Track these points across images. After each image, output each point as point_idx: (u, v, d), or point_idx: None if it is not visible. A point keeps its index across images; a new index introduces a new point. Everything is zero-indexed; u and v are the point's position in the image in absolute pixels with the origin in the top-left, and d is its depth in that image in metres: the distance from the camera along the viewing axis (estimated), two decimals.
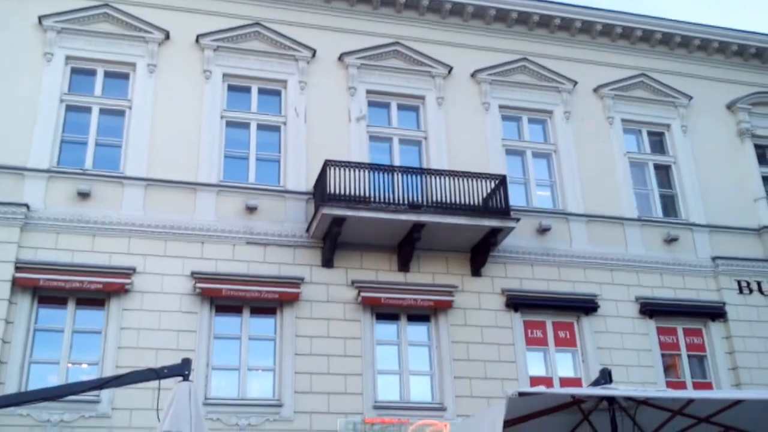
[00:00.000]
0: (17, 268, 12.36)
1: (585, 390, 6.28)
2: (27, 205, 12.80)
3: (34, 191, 13.07)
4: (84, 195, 13.20)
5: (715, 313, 15.50)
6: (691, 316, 15.44)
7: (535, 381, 13.74)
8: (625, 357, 14.52)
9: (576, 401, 6.60)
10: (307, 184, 14.36)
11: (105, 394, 12.07)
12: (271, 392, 12.98)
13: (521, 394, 5.10)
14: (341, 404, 12.84)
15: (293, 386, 12.85)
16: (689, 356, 15.25)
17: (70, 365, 12.48)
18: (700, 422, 6.81)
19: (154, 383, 6.51)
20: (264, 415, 12.55)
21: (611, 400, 6.34)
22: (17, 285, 12.34)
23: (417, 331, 14.17)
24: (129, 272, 12.79)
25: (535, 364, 14.21)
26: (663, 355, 15.02)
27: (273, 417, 12.58)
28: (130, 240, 13.14)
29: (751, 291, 15.97)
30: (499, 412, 4.91)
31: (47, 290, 12.56)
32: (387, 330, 14.01)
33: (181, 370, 6.51)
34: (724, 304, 15.59)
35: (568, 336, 14.72)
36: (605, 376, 7.37)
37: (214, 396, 12.68)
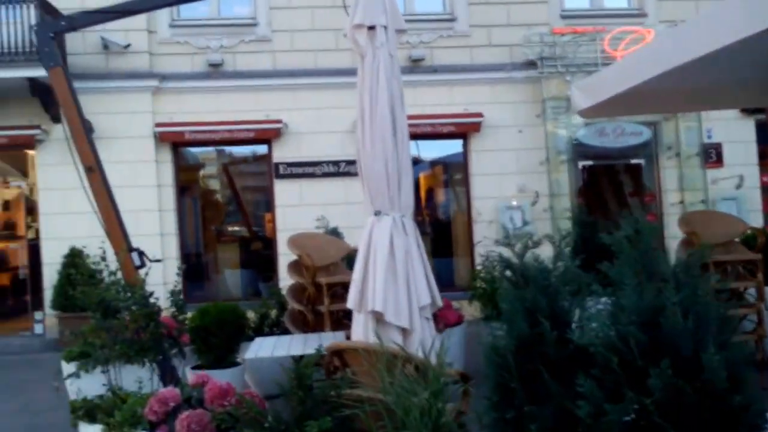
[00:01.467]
0: None
1: None
2: None
3: None
4: None
5: None
6: None
7: None
8: None
9: None
10: None
11: (262, 16, 11.04)
12: (441, 5, 11.46)
13: None
14: (523, 15, 11.14)
15: None
16: None
17: None
18: None
19: None
20: (437, 30, 11.16)
21: None
22: None
23: None
24: None
25: None
26: None
27: (447, 33, 11.17)
28: None
29: None
30: None
31: None
32: None
33: None
34: None
35: None
36: None
37: None
